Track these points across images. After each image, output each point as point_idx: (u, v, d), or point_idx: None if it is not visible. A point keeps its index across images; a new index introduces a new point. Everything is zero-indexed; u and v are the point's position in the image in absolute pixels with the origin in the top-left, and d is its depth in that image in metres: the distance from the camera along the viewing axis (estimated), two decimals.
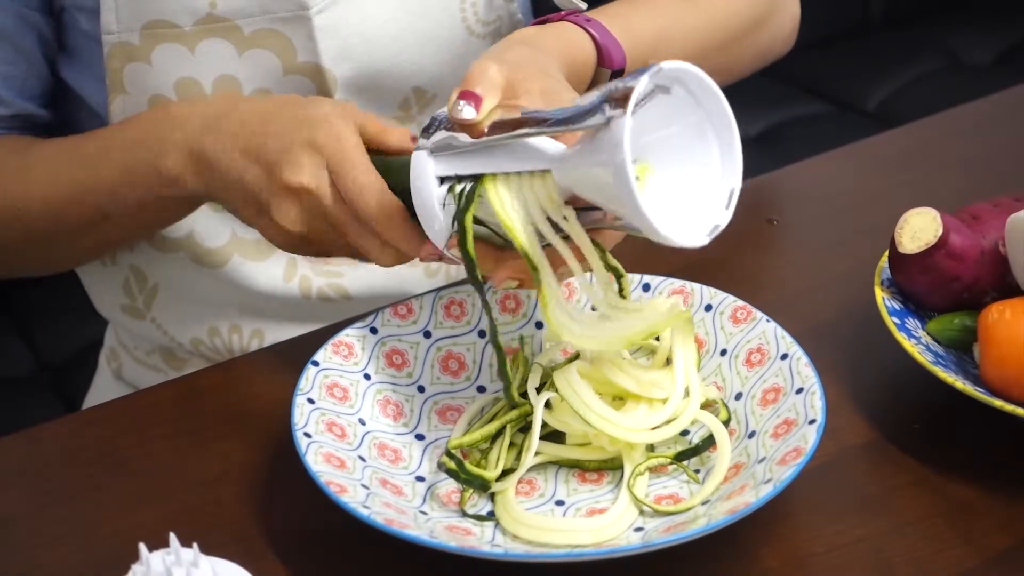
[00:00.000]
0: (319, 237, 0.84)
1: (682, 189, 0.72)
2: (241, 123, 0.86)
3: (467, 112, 0.75)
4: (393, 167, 0.81)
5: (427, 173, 0.77)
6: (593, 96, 0.69)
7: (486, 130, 0.75)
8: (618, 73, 0.92)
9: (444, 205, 0.77)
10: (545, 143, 0.75)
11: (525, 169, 0.74)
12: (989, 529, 0.77)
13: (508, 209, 0.74)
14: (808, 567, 0.75)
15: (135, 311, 1.09)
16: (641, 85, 0.67)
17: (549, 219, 0.74)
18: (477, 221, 0.76)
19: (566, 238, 0.75)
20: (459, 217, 0.75)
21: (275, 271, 1.05)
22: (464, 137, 0.76)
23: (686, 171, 0.72)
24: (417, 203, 0.77)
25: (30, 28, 0.98)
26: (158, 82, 0.97)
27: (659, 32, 0.98)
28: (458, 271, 1.09)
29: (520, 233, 0.74)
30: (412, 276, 1.08)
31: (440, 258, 0.81)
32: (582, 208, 0.75)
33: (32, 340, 1.70)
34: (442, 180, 0.77)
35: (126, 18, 0.95)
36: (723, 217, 0.71)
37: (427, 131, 0.78)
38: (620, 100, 0.66)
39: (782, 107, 2.12)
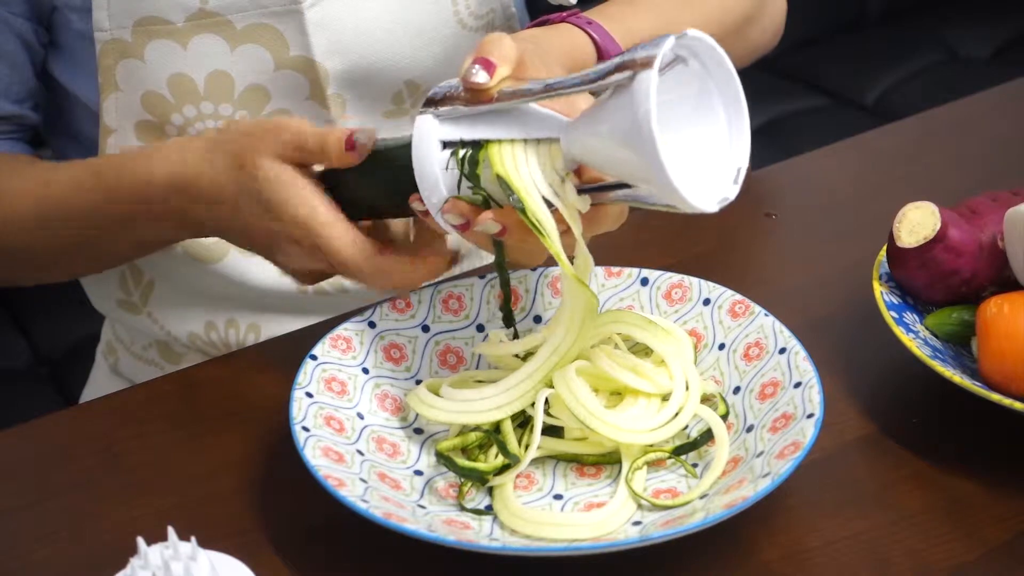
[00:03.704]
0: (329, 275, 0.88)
1: (690, 158, 0.72)
2: (215, 202, 0.86)
3: (480, 76, 0.75)
4: (369, 169, 0.81)
5: (431, 136, 0.77)
6: (608, 63, 0.69)
7: (495, 97, 0.75)
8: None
9: (447, 169, 0.77)
10: (553, 112, 0.75)
11: (532, 136, 0.74)
12: (987, 523, 0.77)
13: (516, 174, 0.74)
14: (806, 561, 0.75)
15: (131, 306, 1.09)
16: (667, 46, 0.67)
17: (552, 187, 0.75)
18: (478, 187, 0.76)
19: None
20: (472, 179, 0.75)
21: (271, 266, 1.05)
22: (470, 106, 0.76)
23: (695, 142, 0.72)
24: (417, 166, 0.77)
25: (12, 33, 0.98)
26: (151, 79, 0.97)
27: (657, 31, 0.98)
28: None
29: (528, 196, 0.74)
30: None
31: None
32: (582, 189, 0.75)
33: (30, 334, 1.70)
34: (444, 145, 0.77)
35: (118, 15, 0.96)
36: (731, 191, 0.72)
37: (431, 101, 0.78)
38: (644, 61, 0.66)
39: (780, 101, 2.12)
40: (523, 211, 0.74)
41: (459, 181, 0.76)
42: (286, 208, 0.82)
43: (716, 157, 0.72)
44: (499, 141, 0.75)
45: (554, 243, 0.74)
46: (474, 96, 0.76)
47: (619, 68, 0.68)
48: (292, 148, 0.82)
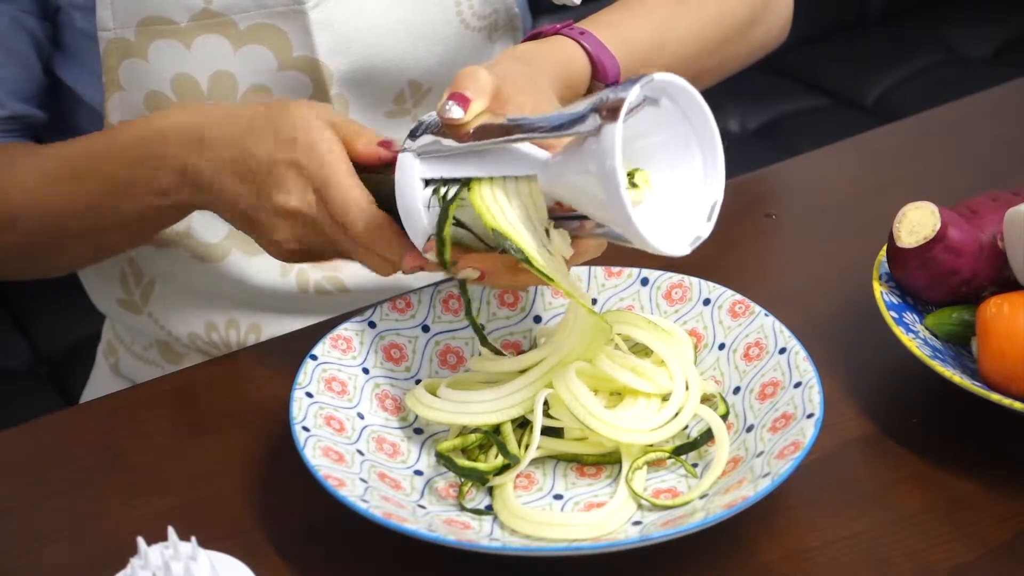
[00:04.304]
0: (313, 249, 0.85)
1: (665, 198, 0.73)
2: (225, 138, 0.85)
3: (455, 112, 0.76)
4: (381, 179, 0.81)
5: (412, 174, 0.77)
6: (583, 104, 0.70)
7: (471, 132, 0.76)
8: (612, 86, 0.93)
9: (428, 207, 0.77)
10: (531, 149, 0.75)
11: (512, 174, 0.75)
12: (987, 522, 0.77)
13: (498, 211, 0.74)
14: (806, 561, 0.75)
15: (132, 305, 1.09)
16: (632, 95, 0.67)
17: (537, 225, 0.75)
18: (461, 225, 0.77)
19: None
20: (442, 214, 0.75)
21: (272, 265, 1.05)
22: (450, 142, 0.76)
23: (669, 181, 0.73)
24: (400, 204, 0.78)
25: (24, 31, 0.98)
26: (155, 79, 0.97)
27: (653, 39, 0.98)
28: None
29: (514, 232, 0.74)
30: None
31: (423, 268, 0.81)
32: (560, 217, 0.75)
33: (30, 334, 1.70)
34: (427, 183, 0.77)
35: (121, 15, 0.96)
36: (704, 229, 0.73)
37: (413, 135, 0.78)
38: (611, 108, 0.67)
39: (780, 101, 2.12)
40: (527, 261, 0.74)
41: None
42: (311, 145, 0.81)
43: (693, 193, 0.73)
44: (479, 180, 0.75)
45: (564, 285, 0.75)
46: (451, 131, 0.76)
47: (591, 112, 0.69)
48: (328, 113, 0.83)
